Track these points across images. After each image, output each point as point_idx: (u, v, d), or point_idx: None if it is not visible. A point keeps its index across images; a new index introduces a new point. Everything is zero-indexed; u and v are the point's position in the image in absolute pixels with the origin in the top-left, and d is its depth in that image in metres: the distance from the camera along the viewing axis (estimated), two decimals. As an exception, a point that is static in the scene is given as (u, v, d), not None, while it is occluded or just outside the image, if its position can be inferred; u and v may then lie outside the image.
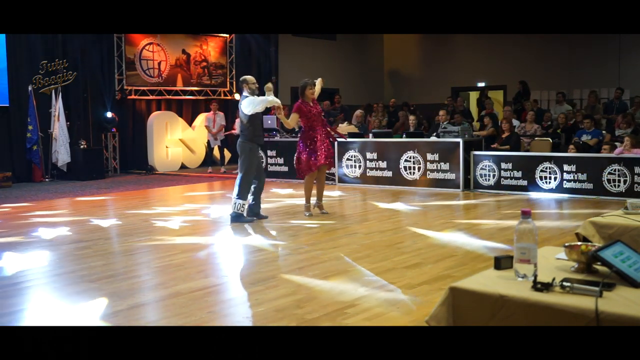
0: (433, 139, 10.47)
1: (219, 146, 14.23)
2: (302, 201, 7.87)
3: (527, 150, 10.96)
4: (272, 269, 5.20)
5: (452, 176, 10.04)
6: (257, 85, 7.49)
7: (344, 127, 12.07)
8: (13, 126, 12.61)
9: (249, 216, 7.43)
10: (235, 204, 7.30)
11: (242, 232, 6.88)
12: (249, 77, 7.46)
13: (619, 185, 8.78)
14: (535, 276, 2.37)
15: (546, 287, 2.31)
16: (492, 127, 11.75)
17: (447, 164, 10.08)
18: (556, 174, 9.28)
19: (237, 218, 7.30)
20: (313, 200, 7.81)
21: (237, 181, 7.33)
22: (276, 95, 18.02)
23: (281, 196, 9.80)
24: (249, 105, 7.22)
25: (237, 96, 16.06)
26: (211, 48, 15.91)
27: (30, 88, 12.50)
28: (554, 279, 2.34)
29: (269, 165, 11.93)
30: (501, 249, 5.75)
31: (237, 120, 13.39)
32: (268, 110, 12.64)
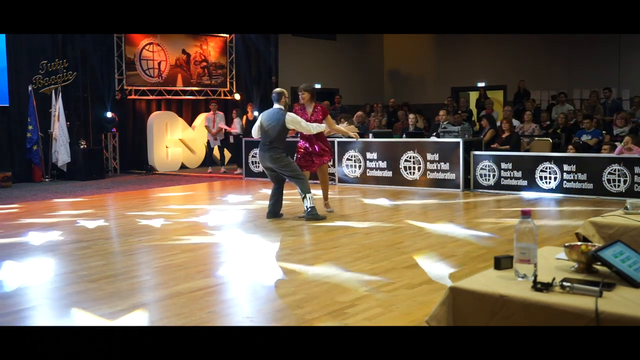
0: (433, 139, 10.47)
1: (218, 146, 14.23)
2: (300, 202, 7.79)
3: (527, 150, 10.96)
4: (272, 269, 5.20)
5: (452, 176, 10.04)
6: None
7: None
8: (13, 126, 12.61)
9: (269, 217, 7.58)
10: (306, 199, 7.37)
11: (243, 232, 6.88)
12: (286, 91, 7.62)
13: (619, 185, 8.78)
14: (535, 276, 2.37)
15: (546, 287, 2.31)
16: (490, 128, 11.75)
17: (447, 164, 10.08)
18: (556, 174, 9.28)
19: (312, 211, 7.37)
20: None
21: (297, 184, 7.40)
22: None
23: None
24: (305, 126, 7.39)
25: (237, 96, 16.10)
26: (211, 48, 15.91)
27: (30, 88, 12.50)
28: (554, 279, 2.34)
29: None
30: (501, 249, 5.75)
31: (236, 121, 13.29)
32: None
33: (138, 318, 4.07)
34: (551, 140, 11.18)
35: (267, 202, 7.79)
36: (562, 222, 7.30)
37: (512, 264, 2.54)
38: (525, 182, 9.56)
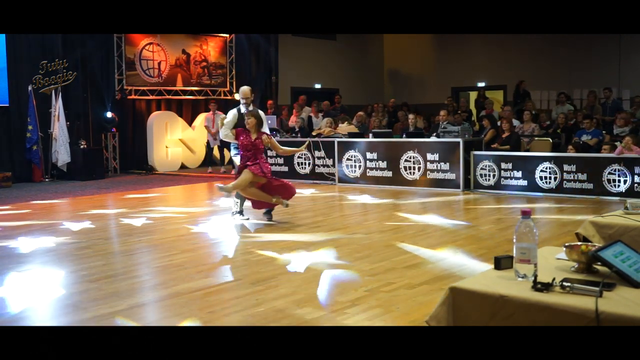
0: (433, 139, 10.47)
1: (218, 146, 14.22)
2: (300, 202, 7.82)
3: (527, 150, 10.96)
4: (272, 269, 5.20)
5: (452, 176, 10.04)
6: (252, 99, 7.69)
7: (344, 127, 12.08)
8: (13, 126, 12.61)
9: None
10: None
11: (242, 232, 6.88)
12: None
13: (619, 185, 8.78)
14: (536, 276, 2.37)
15: (546, 287, 2.31)
16: (491, 128, 11.74)
17: (447, 164, 10.07)
18: (556, 174, 9.28)
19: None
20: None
21: None
22: (276, 95, 17.95)
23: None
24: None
25: (236, 96, 16.08)
26: (211, 48, 15.91)
27: (30, 88, 12.49)
28: (554, 279, 2.34)
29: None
30: (501, 249, 5.75)
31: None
32: (265, 110, 12.62)
33: (138, 318, 4.07)
34: (551, 140, 11.17)
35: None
36: (562, 222, 7.30)
37: (512, 264, 2.54)
38: (525, 182, 9.56)
